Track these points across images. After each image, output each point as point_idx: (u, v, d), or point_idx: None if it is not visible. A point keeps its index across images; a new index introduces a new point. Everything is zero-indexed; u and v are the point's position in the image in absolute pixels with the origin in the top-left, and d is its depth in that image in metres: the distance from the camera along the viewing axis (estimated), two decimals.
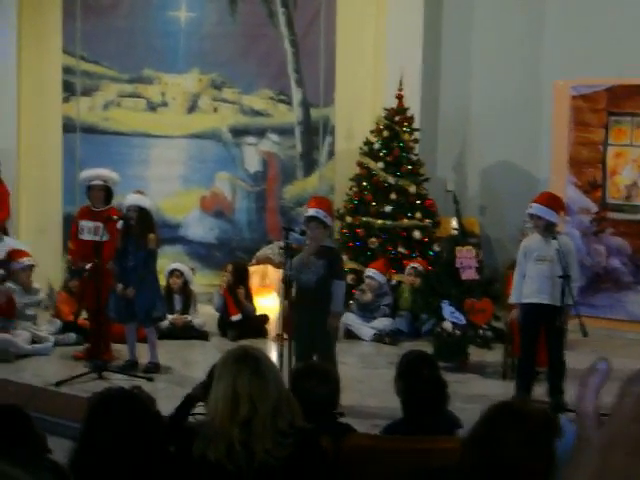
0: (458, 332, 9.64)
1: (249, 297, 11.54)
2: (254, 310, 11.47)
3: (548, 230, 8.30)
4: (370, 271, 11.58)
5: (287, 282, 7.90)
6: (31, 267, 10.67)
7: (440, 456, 4.38)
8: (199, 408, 4.69)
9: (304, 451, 3.73)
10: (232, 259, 13.08)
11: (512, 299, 8.67)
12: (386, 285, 11.69)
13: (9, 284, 10.41)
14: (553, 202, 8.44)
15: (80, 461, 3.55)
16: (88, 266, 9.38)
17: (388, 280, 11.80)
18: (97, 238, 9.41)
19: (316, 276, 7.93)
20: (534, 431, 3.26)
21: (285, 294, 8.00)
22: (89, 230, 9.64)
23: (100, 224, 9.47)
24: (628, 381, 1.33)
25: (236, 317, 11.18)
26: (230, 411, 3.76)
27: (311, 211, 8.10)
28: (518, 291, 8.53)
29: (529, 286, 8.44)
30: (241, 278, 11.57)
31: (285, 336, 7.93)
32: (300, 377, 4.87)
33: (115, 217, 9.30)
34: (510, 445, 3.19)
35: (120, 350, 9.79)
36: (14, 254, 10.79)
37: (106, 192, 9.76)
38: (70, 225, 10.45)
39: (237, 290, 11.36)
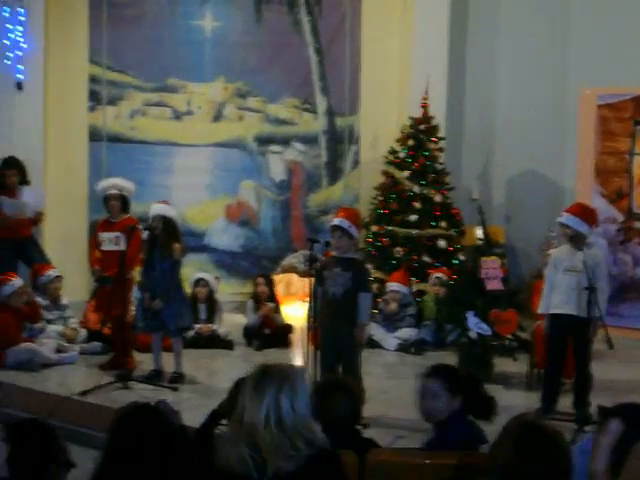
0: (483, 343, 9.60)
1: (277, 308, 11.56)
2: (283, 321, 11.48)
3: (576, 241, 8.24)
4: (393, 285, 11.57)
5: (314, 294, 7.91)
6: (59, 278, 10.74)
7: (465, 472, 4.37)
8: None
9: (321, 471, 3.71)
10: (258, 268, 13.14)
11: (541, 309, 8.62)
12: (410, 295, 11.66)
13: (38, 298, 10.46)
14: (584, 213, 8.38)
15: (104, 476, 3.55)
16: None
17: (410, 289, 11.77)
18: (118, 248, 9.48)
19: (343, 288, 7.91)
20: (560, 452, 3.26)
21: (312, 305, 7.99)
22: (110, 241, 9.70)
23: (120, 234, 9.54)
24: None
25: (268, 330, 11.22)
26: (239, 424, 3.78)
27: (336, 220, 8.10)
28: (547, 301, 8.48)
29: (557, 297, 8.39)
30: (271, 290, 11.62)
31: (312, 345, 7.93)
32: (323, 392, 4.85)
33: (137, 226, 9.35)
34: (540, 470, 3.20)
35: (144, 359, 9.80)
36: (40, 268, 10.85)
37: (122, 201, 9.84)
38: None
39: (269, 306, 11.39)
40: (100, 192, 10.01)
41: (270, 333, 11.16)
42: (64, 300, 10.79)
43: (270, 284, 11.67)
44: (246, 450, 3.70)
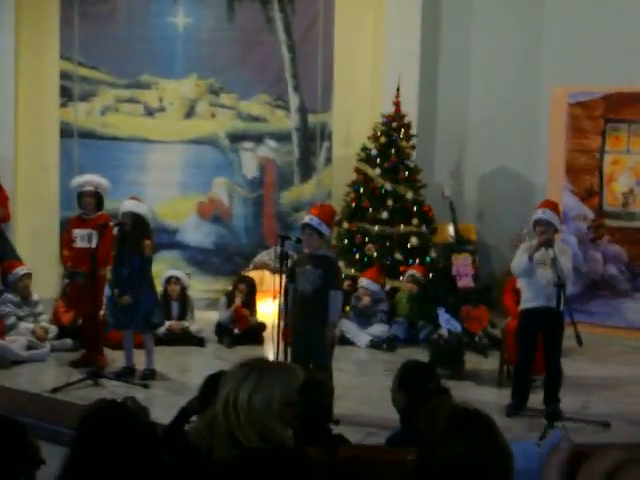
0: (454, 339, 9.64)
1: (253, 309, 11.55)
2: (257, 321, 11.46)
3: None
4: (364, 281, 11.60)
5: (285, 290, 7.91)
6: (28, 275, 10.64)
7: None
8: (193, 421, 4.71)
9: (270, 465, 3.70)
10: (230, 265, 13.16)
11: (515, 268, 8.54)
12: (381, 291, 11.69)
13: (9, 295, 10.39)
14: (558, 210, 8.53)
15: (71, 474, 3.54)
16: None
17: (382, 286, 11.80)
18: (90, 245, 9.45)
19: (312, 286, 7.91)
20: (490, 430, 3.22)
21: (283, 302, 8.00)
22: (82, 238, 9.69)
23: (92, 231, 9.51)
24: (591, 461, 1.34)
25: (237, 331, 11.19)
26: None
27: (306, 218, 8.13)
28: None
29: (527, 292, 8.44)
30: (251, 294, 11.60)
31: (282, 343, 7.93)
32: None
33: (109, 223, 9.31)
34: (480, 449, 3.13)
35: (116, 356, 9.78)
36: (8, 266, 10.75)
37: (97, 198, 9.81)
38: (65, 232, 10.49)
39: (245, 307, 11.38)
40: (75, 188, 9.97)
41: (240, 333, 11.14)
42: (35, 296, 10.71)
43: (252, 290, 11.64)
44: (205, 436, 3.74)
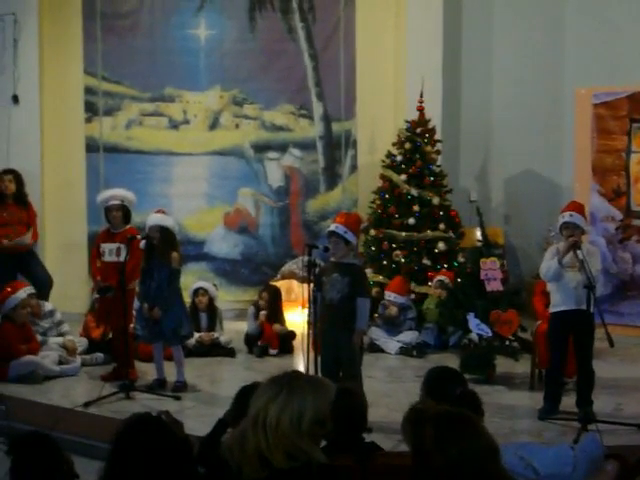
0: (484, 344, 9.61)
1: (281, 319, 11.52)
2: (285, 330, 11.41)
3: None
4: (390, 295, 11.54)
5: (313, 299, 7.88)
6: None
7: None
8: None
9: None
10: (257, 275, 13.18)
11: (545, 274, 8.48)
12: (408, 301, 11.64)
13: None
14: (584, 211, 8.48)
15: None
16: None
17: (408, 295, 11.74)
18: (118, 259, 9.46)
19: (340, 294, 7.89)
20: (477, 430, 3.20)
21: (312, 311, 7.96)
22: (110, 252, 9.69)
23: (120, 245, 9.53)
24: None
25: (274, 351, 11.15)
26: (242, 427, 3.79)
27: (332, 226, 8.10)
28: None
29: (556, 295, 8.38)
30: (275, 303, 11.55)
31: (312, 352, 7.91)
32: None
33: (137, 236, 9.31)
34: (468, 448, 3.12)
35: (147, 369, 9.80)
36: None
37: (124, 212, 9.82)
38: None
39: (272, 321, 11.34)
40: (101, 203, 9.98)
41: (274, 350, 11.11)
42: (48, 306, 10.72)
43: (276, 298, 11.61)
44: (236, 452, 3.71)
